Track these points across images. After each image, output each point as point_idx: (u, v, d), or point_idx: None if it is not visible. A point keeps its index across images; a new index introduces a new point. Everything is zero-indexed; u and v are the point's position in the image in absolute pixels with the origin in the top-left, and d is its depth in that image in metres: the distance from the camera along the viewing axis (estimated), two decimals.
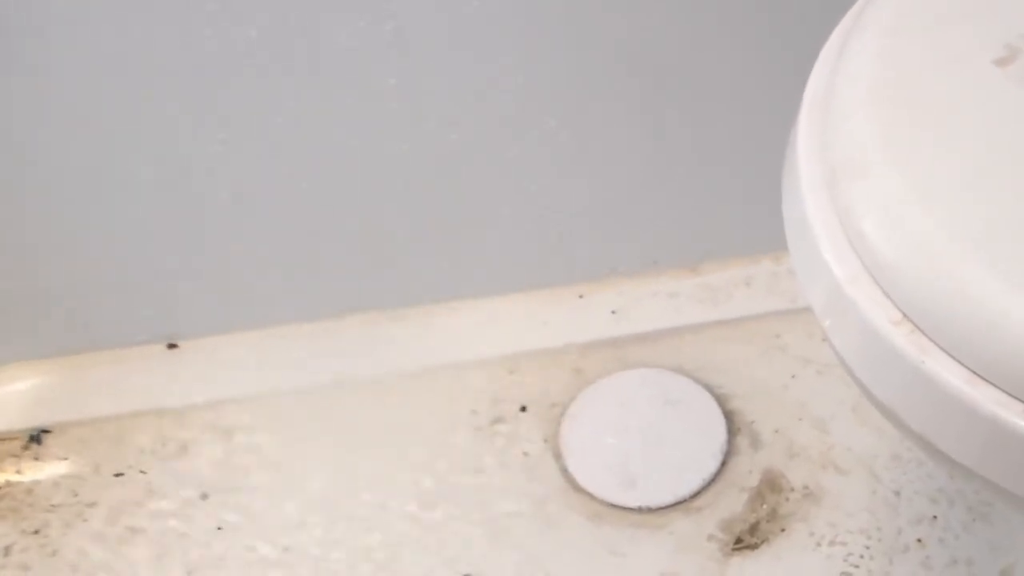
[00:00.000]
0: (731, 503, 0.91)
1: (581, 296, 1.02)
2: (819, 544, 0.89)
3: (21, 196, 0.92)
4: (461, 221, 0.98)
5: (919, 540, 0.88)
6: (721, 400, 0.96)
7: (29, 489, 0.96)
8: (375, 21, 0.84)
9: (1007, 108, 0.53)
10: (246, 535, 0.92)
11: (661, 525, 0.91)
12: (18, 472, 0.97)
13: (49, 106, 0.87)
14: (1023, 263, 0.48)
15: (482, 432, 0.96)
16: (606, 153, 0.95)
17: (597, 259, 1.02)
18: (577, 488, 0.93)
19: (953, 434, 0.51)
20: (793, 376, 0.97)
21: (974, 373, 0.49)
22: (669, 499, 0.91)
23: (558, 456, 0.94)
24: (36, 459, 0.98)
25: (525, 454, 0.95)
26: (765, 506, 0.91)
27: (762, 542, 0.89)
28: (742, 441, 0.94)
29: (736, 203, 0.98)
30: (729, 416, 0.95)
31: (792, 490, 0.91)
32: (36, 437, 0.98)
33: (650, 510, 0.91)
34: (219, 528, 0.93)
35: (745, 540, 0.89)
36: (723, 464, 0.93)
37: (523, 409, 0.97)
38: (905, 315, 0.50)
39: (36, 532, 0.94)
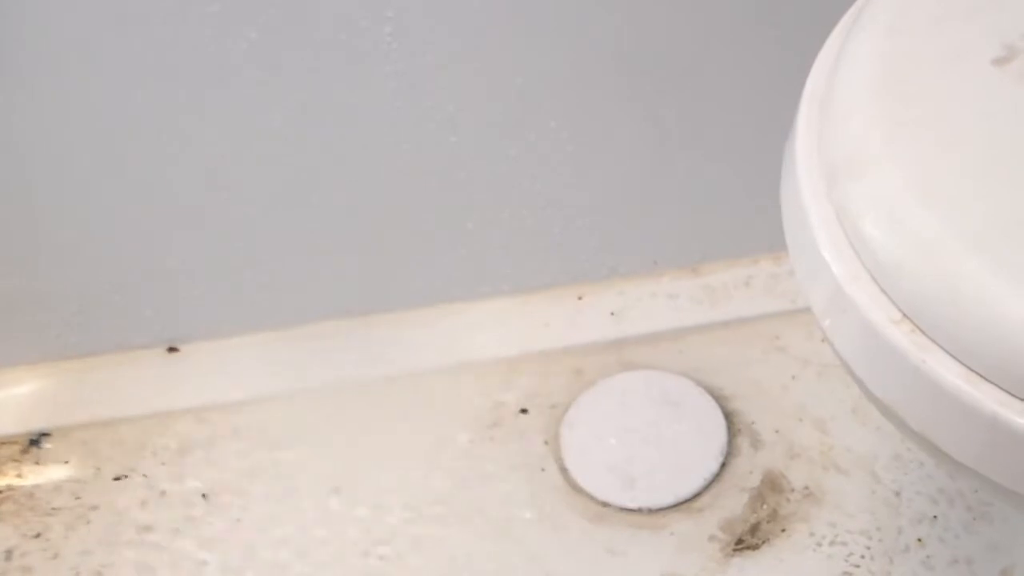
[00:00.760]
0: (732, 504, 0.91)
1: (581, 297, 1.02)
2: (820, 544, 0.89)
3: (22, 199, 0.92)
4: (461, 222, 0.98)
5: (919, 540, 0.88)
6: (721, 401, 0.96)
7: (30, 493, 0.96)
8: (375, 23, 0.84)
9: (1006, 107, 0.53)
10: (247, 538, 0.92)
11: (662, 526, 0.91)
12: (19, 476, 0.97)
13: (50, 108, 0.87)
14: (1023, 262, 0.48)
15: (482, 433, 0.96)
16: (606, 154, 0.95)
17: (597, 260, 1.02)
18: (578, 489, 0.93)
19: (953, 433, 0.51)
20: (793, 377, 0.97)
21: (974, 372, 0.49)
22: (670, 500, 0.91)
23: (558, 457, 0.94)
24: (37, 463, 0.98)
25: (525, 455, 0.95)
26: (766, 507, 0.91)
27: (763, 543, 0.89)
28: (742, 442, 0.94)
29: (736, 204, 0.98)
30: (729, 417, 0.95)
31: (793, 490, 0.91)
32: (37, 441, 0.99)
33: (651, 511, 0.91)
34: (220, 531, 0.93)
35: (746, 540, 0.89)
36: (723, 465, 0.93)
37: (523, 410, 0.97)
38: (905, 314, 0.50)
39: (37, 536, 0.94)
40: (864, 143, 0.53)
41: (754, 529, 0.90)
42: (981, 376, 0.49)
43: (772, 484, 0.92)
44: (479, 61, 0.88)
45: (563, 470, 0.94)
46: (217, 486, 0.95)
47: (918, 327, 0.50)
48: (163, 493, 0.95)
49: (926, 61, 0.55)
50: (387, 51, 0.86)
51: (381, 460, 0.95)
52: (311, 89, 0.88)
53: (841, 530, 0.89)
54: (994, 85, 0.53)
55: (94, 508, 0.95)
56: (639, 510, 0.91)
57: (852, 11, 0.59)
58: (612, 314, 1.01)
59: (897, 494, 0.90)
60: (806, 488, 0.91)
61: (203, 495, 0.95)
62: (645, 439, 0.95)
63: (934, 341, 0.49)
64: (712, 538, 0.90)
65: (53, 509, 0.95)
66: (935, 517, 0.89)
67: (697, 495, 0.92)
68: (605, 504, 0.92)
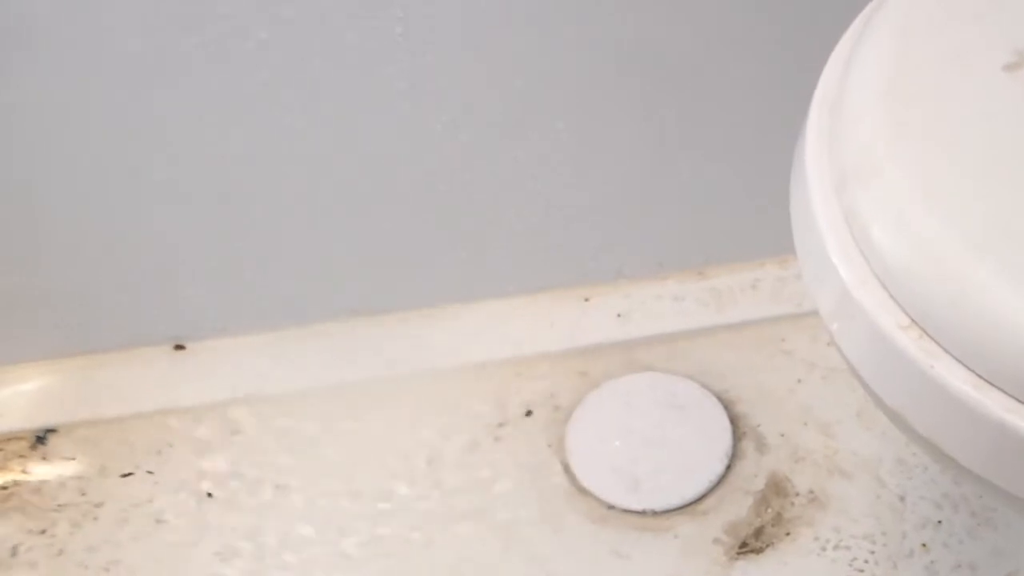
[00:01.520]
0: (736, 507, 0.91)
1: (587, 299, 1.02)
2: (824, 548, 0.89)
3: (29, 197, 0.92)
4: (467, 223, 0.98)
5: (924, 545, 0.88)
6: (726, 404, 0.96)
7: (36, 489, 0.96)
8: (384, 24, 0.84)
9: (1016, 114, 0.53)
10: (252, 535, 0.93)
11: (666, 528, 0.91)
12: (25, 472, 0.97)
13: (55, 106, 0.87)
14: None
15: (487, 435, 0.96)
16: (612, 156, 0.95)
17: (603, 262, 1.02)
18: (582, 491, 0.93)
19: (960, 439, 0.51)
20: (799, 380, 0.97)
21: (982, 378, 0.49)
22: (674, 502, 0.91)
23: (563, 459, 0.94)
24: (43, 459, 0.98)
25: (530, 457, 0.95)
26: (770, 510, 0.91)
27: (767, 546, 0.89)
28: (747, 445, 0.94)
29: (742, 207, 0.98)
30: (734, 420, 0.95)
31: (797, 494, 0.91)
32: (43, 437, 0.99)
33: (655, 513, 0.91)
34: (225, 528, 0.93)
35: (750, 544, 0.89)
36: (728, 468, 0.93)
37: (528, 412, 0.97)
38: (913, 320, 0.50)
39: (43, 532, 0.94)
40: (874, 148, 0.53)
41: (758, 533, 0.90)
42: (988, 382, 0.49)
43: (777, 488, 0.92)
44: (486, 62, 0.88)
45: (568, 472, 0.94)
46: (223, 483, 0.95)
47: (926, 332, 0.50)
48: (169, 490, 0.95)
49: (937, 67, 0.55)
50: (395, 51, 0.86)
51: (385, 460, 0.96)
52: (318, 88, 0.88)
53: (845, 534, 0.89)
54: (1005, 91, 0.53)
55: (100, 505, 0.95)
56: (643, 512, 0.91)
57: (863, 15, 0.60)
58: (618, 316, 1.01)
59: (901, 499, 0.90)
60: (811, 492, 0.91)
61: (209, 493, 0.95)
62: (650, 441, 0.95)
63: (942, 347, 0.50)
64: (716, 541, 0.90)
65: (59, 505, 0.95)
66: (939, 522, 0.89)
67: (702, 498, 0.92)
68: (609, 506, 0.92)
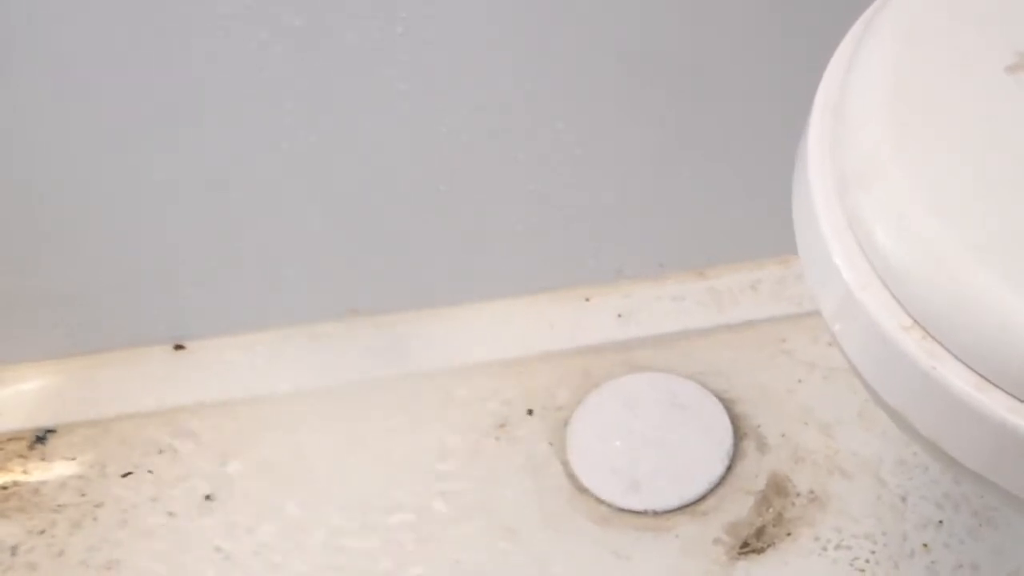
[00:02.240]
0: (737, 507, 0.91)
1: (587, 299, 1.02)
2: (825, 549, 0.89)
3: (29, 197, 0.92)
4: (467, 224, 0.98)
5: (925, 545, 0.88)
6: (727, 404, 0.96)
7: (36, 489, 0.96)
8: (385, 25, 0.84)
9: (1018, 115, 0.53)
10: (252, 535, 0.93)
11: (667, 528, 0.91)
12: (25, 472, 0.97)
13: (56, 106, 0.87)
14: None
15: (488, 435, 0.96)
16: (613, 157, 0.95)
17: (603, 262, 1.02)
18: (583, 491, 0.93)
19: (962, 439, 0.51)
20: (799, 381, 0.97)
21: (984, 378, 0.49)
22: (675, 502, 0.91)
23: (564, 459, 0.95)
24: (43, 459, 0.98)
25: (531, 457, 0.95)
26: (771, 510, 0.91)
27: (768, 546, 0.89)
28: (748, 445, 0.94)
29: (743, 207, 0.98)
30: (735, 420, 0.95)
31: (798, 494, 0.91)
32: (42, 437, 0.99)
33: (656, 513, 0.91)
34: (226, 528, 0.93)
35: (751, 544, 0.89)
36: (729, 468, 0.93)
37: (529, 412, 0.97)
38: (915, 321, 0.50)
39: (43, 532, 0.94)
40: (876, 151, 0.53)
41: (759, 533, 0.90)
42: (990, 382, 0.49)
43: (777, 488, 0.92)
44: (488, 63, 0.88)
45: (568, 472, 0.94)
46: (222, 483, 0.95)
47: (928, 333, 0.50)
48: (168, 490, 0.95)
49: (938, 69, 0.55)
50: (397, 52, 0.86)
51: (386, 460, 0.96)
52: (320, 89, 0.88)
53: (846, 534, 0.89)
54: (1006, 93, 0.53)
55: (99, 505, 0.95)
56: (644, 512, 0.91)
57: (864, 18, 0.60)
58: (619, 316, 1.01)
59: (903, 499, 0.90)
60: (811, 492, 0.91)
61: (208, 492, 0.95)
62: (650, 442, 0.95)
63: (944, 347, 0.50)
64: (717, 541, 0.90)
65: (59, 506, 0.95)
66: (940, 522, 0.89)
67: (702, 498, 0.92)
68: (610, 506, 0.92)
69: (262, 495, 0.95)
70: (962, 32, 0.56)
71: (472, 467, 0.95)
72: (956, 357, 0.49)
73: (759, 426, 0.95)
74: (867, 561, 0.88)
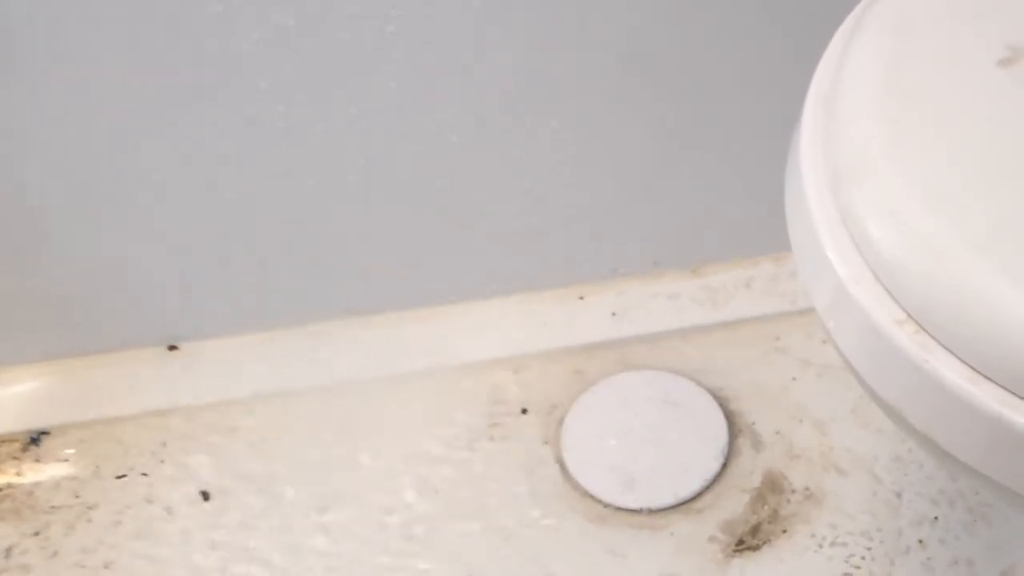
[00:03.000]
0: (732, 504, 0.91)
1: (582, 297, 1.02)
2: (820, 545, 0.89)
3: (22, 198, 0.92)
4: (462, 222, 0.98)
5: (920, 541, 0.88)
6: (722, 401, 0.96)
7: (29, 491, 0.96)
8: (378, 22, 0.84)
9: (1010, 109, 0.53)
10: (247, 536, 0.92)
11: (662, 526, 0.91)
12: (18, 474, 0.97)
13: (51, 107, 0.87)
14: None
15: (483, 434, 0.96)
16: (607, 154, 0.95)
17: (598, 261, 1.02)
18: (578, 489, 0.93)
19: (956, 433, 0.51)
20: (793, 378, 0.97)
21: (977, 372, 0.49)
22: (670, 500, 0.91)
23: (559, 457, 0.94)
24: (37, 461, 0.98)
25: (526, 455, 0.95)
26: (766, 507, 0.91)
27: (763, 543, 0.89)
28: (743, 443, 0.94)
29: (737, 205, 0.98)
30: (730, 417, 0.95)
31: (793, 491, 0.91)
32: (36, 439, 0.98)
33: (651, 511, 0.91)
34: (220, 529, 0.93)
35: (746, 541, 0.89)
36: (724, 465, 0.93)
37: (524, 411, 0.97)
38: (909, 315, 0.50)
39: (37, 534, 0.94)
40: (868, 145, 0.53)
41: (755, 530, 0.90)
42: (984, 376, 0.49)
43: (773, 485, 0.92)
44: (481, 61, 0.88)
45: (563, 470, 0.94)
46: (217, 485, 0.95)
47: (922, 327, 0.50)
48: (163, 491, 0.95)
49: (930, 62, 0.55)
50: (389, 50, 0.86)
51: (380, 460, 0.95)
52: (313, 89, 0.88)
53: (842, 531, 0.89)
54: (999, 86, 0.53)
55: (93, 507, 0.95)
56: (639, 510, 0.91)
57: (856, 12, 0.60)
58: (613, 314, 1.01)
59: (898, 495, 0.90)
60: (807, 489, 0.91)
61: (202, 493, 0.95)
62: (645, 439, 0.95)
63: (937, 341, 0.50)
64: (712, 539, 0.90)
65: (52, 507, 0.95)
66: (936, 518, 0.89)
67: (697, 496, 0.92)
68: (605, 504, 0.92)
69: (257, 495, 0.94)
70: (953, 26, 0.56)
71: (467, 466, 0.95)
72: (949, 350, 0.49)
73: (754, 423, 0.95)
74: (863, 558, 0.88)
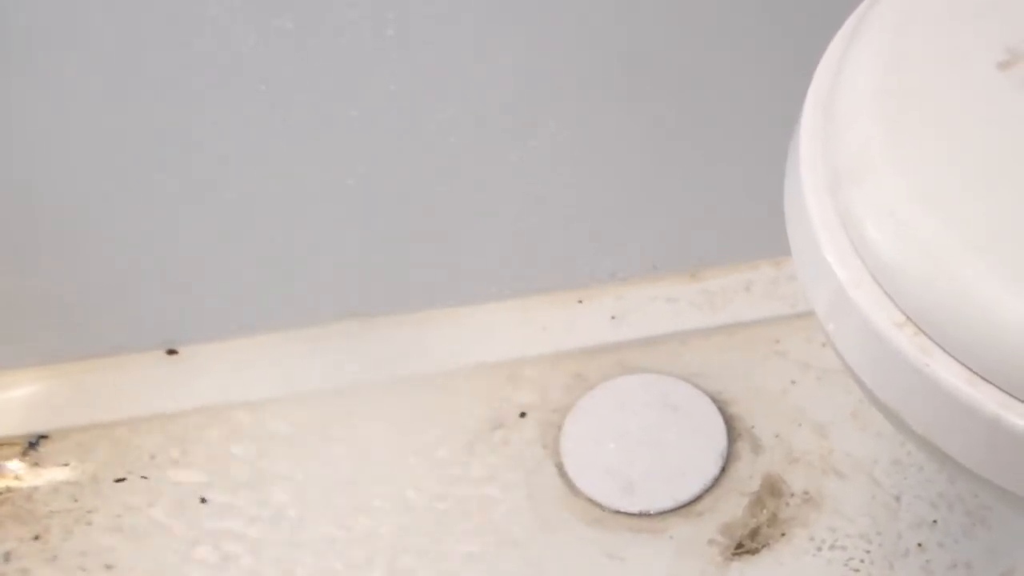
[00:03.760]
0: (731, 508, 0.91)
1: (580, 301, 1.02)
2: (819, 549, 0.89)
3: (21, 200, 0.92)
4: (460, 225, 0.98)
5: (919, 544, 0.88)
6: (721, 405, 0.96)
7: (28, 495, 0.96)
8: (376, 25, 0.84)
9: (1009, 112, 0.53)
10: (247, 539, 0.92)
11: (661, 530, 0.91)
12: (17, 478, 0.97)
13: (50, 110, 0.87)
14: None
15: (481, 437, 0.96)
16: (606, 157, 0.95)
17: (596, 264, 1.02)
18: (577, 493, 0.93)
19: (955, 435, 0.51)
20: (793, 381, 0.97)
21: (977, 375, 0.49)
22: (669, 504, 0.91)
23: (558, 461, 0.94)
24: (36, 465, 0.97)
25: (525, 459, 0.95)
26: (765, 511, 0.91)
27: (762, 547, 0.89)
28: (742, 446, 0.94)
29: (736, 208, 0.98)
30: (729, 421, 0.95)
31: (792, 495, 0.91)
32: (35, 443, 0.98)
33: (650, 515, 0.91)
34: (220, 533, 0.93)
35: (745, 545, 0.89)
36: (723, 469, 0.93)
37: (523, 415, 0.97)
38: (908, 317, 0.50)
39: (36, 538, 0.93)
40: (867, 147, 0.53)
41: (754, 533, 0.90)
42: (983, 378, 0.49)
43: (772, 488, 0.92)
44: (479, 63, 0.88)
45: (562, 474, 0.94)
46: (216, 489, 0.95)
47: (921, 330, 0.50)
48: (162, 495, 0.95)
49: (930, 65, 0.55)
50: (388, 53, 0.86)
51: (378, 463, 0.95)
52: (311, 92, 0.88)
53: (841, 534, 0.89)
54: (998, 89, 0.53)
55: (93, 511, 0.95)
56: (638, 514, 0.91)
57: (856, 14, 0.60)
58: (612, 318, 1.01)
59: (897, 498, 0.90)
60: (806, 492, 0.91)
61: (202, 498, 0.95)
62: (644, 443, 0.95)
63: (937, 344, 0.50)
64: (711, 542, 0.90)
65: (51, 511, 0.95)
66: (935, 521, 0.89)
67: (697, 499, 0.92)
68: (604, 508, 0.92)
69: (256, 499, 0.94)
70: (953, 29, 0.56)
71: (465, 469, 0.94)
72: (948, 353, 0.49)
73: (753, 427, 0.95)
74: (862, 561, 0.88)
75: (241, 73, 0.86)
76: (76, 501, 0.95)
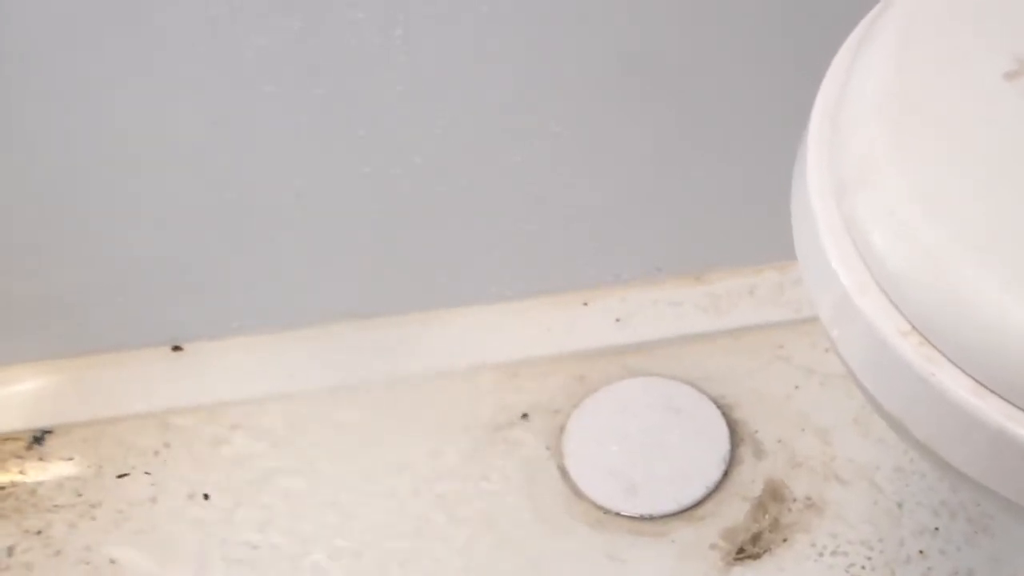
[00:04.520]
0: (733, 512, 0.91)
1: (585, 303, 1.02)
2: (821, 554, 0.89)
3: (27, 198, 0.92)
4: (463, 226, 0.98)
5: (921, 552, 0.88)
6: (724, 409, 0.96)
7: (32, 490, 0.96)
8: (384, 26, 0.84)
9: (1017, 122, 0.53)
10: (248, 536, 0.92)
11: (663, 533, 0.91)
12: (22, 473, 0.97)
13: (53, 107, 0.87)
14: None
15: (484, 439, 0.96)
16: (611, 160, 0.95)
17: (601, 267, 1.02)
18: (579, 495, 0.93)
19: (959, 445, 0.51)
20: (796, 387, 0.97)
21: (981, 384, 0.49)
22: (671, 507, 0.91)
23: (560, 463, 0.94)
24: (40, 460, 0.98)
25: (527, 461, 0.95)
26: (767, 516, 0.91)
27: (764, 552, 0.89)
28: (745, 451, 0.94)
29: (741, 212, 0.98)
30: (732, 426, 0.95)
31: (794, 500, 0.91)
32: (40, 438, 0.99)
33: (652, 518, 0.91)
34: (222, 529, 0.93)
35: (747, 550, 0.89)
36: (726, 473, 0.93)
37: (525, 416, 0.97)
38: (913, 326, 0.50)
39: (39, 533, 0.94)
40: (874, 156, 0.53)
41: (755, 538, 0.90)
42: (988, 388, 0.49)
43: (774, 493, 0.92)
44: (485, 64, 0.88)
45: (564, 476, 0.94)
46: (219, 485, 0.95)
47: (926, 339, 0.50)
48: (165, 491, 0.95)
49: (937, 75, 0.55)
50: (396, 54, 0.86)
51: (382, 463, 0.96)
52: (318, 93, 0.88)
53: (842, 540, 0.89)
54: (1005, 99, 0.53)
55: (96, 506, 0.95)
56: (640, 517, 0.91)
57: (864, 23, 0.60)
58: (616, 320, 1.01)
59: (899, 505, 0.90)
60: (808, 498, 0.91)
61: (205, 494, 0.95)
62: (647, 446, 0.95)
63: (942, 353, 0.50)
64: (713, 546, 0.90)
65: (55, 506, 0.95)
66: (937, 529, 0.89)
67: (699, 503, 0.92)
68: (606, 511, 0.92)
69: (259, 496, 0.94)
70: (961, 38, 0.56)
71: (468, 471, 0.95)
72: (954, 363, 0.49)
73: (756, 432, 0.95)
74: (863, 567, 0.88)
75: (247, 73, 0.86)
76: (80, 496, 0.95)
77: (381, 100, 0.89)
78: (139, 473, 0.96)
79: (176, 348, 1.02)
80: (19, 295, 0.98)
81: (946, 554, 0.87)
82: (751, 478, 0.93)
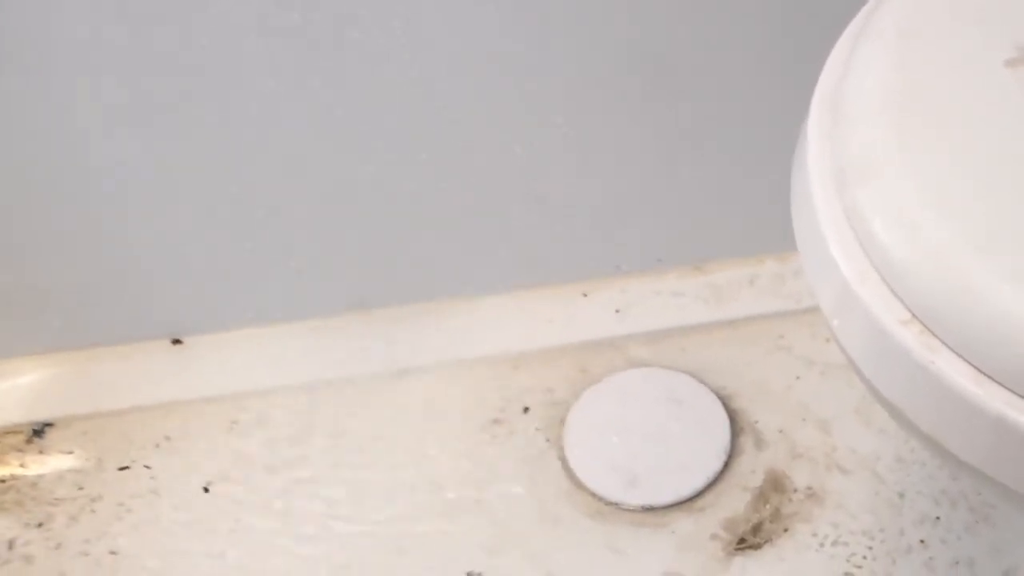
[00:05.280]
0: (734, 503, 0.91)
1: (585, 294, 1.02)
2: (822, 544, 0.89)
3: (27, 190, 0.92)
4: (466, 218, 0.98)
5: (922, 541, 0.88)
6: (725, 400, 0.96)
7: (33, 483, 0.96)
8: (385, 20, 0.84)
9: (1017, 110, 0.53)
10: (249, 528, 0.93)
11: (664, 524, 0.91)
12: (22, 466, 0.97)
13: (52, 102, 0.87)
14: None
15: (485, 430, 0.96)
16: (612, 151, 0.95)
17: (601, 257, 1.02)
18: (580, 486, 0.93)
19: (960, 434, 0.51)
20: (797, 377, 0.97)
21: (982, 373, 0.49)
22: (672, 498, 0.92)
23: (561, 455, 0.95)
24: (40, 453, 0.98)
25: (528, 453, 0.95)
26: (768, 506, 0.91)
27: (765, 542, 0.89)
28: (746, 441, 0.94)
29: (741, 203, 0.98)
30: (733, 416, 0.95)
31: (795, 490, 0.91)
32: (40, 431, 0.99)
33: (653, 509, 0.91)
34: (222, 523, 0.93)
35: (748, 540, 0.89)
36: (726, 464, 0.93)
37: (526, 408, 0.97)
38: (914, 315, 0.50)
39: (40, 525, 0.94)
40: (874, 145, 0.53)
41: (756, 529, 0.90)
42: (988, 376, 0.49)
43: (775, 484, 0.92)
44: (487, 59, 0.88)
45: (565, 467, 0.94)
46: (219, 478, 0.95)
47: (926, 327, 0.50)
48: (166, 484, 0.95)
49: (937, 64, 0.55)
50: (397, 48, 0.86)
51: (383, 455, 0.96)
52: (318, 85, 0.88)
53: (843, 530, 0.89)
54: (1006, 87, 0.53)
55: (97, 498, 0.95)
56: (641, 508, 0.91)
57: (863, 13, 0.60)
58: (616, 311, 1.01)
59: (900, 495, 0.90)
60: (809, 488, 0.91)
61: (205, 487, 0.95)
62: (648, 437, 0.95)
63: (942, 342, 0.50)
64: (714, 537, 0.90)
65: (56, 499, 0.95)
66: (938, 518, 0.89)
67: (699, 494, 0.92)
68: (607, 501, 0.92)
69: (260, 489, 0.95)
70: (961, 26, 0.56)
71: (468, 463, 0.95)
72: (954, 351, 0.49)
73: (757, 422, 0.95)
74: (864, 557, 0.88)
75: (247, 65, 0.86)
76: (80, 489, 0.96)
77: (381, 93, 0.89)
78: (139, 466, 0.96)
79: (176, 341, 1.02)
80: (20, 288, 0.98)
81: (947, 543, 0.88)
82: (752, 468, 0.93)
